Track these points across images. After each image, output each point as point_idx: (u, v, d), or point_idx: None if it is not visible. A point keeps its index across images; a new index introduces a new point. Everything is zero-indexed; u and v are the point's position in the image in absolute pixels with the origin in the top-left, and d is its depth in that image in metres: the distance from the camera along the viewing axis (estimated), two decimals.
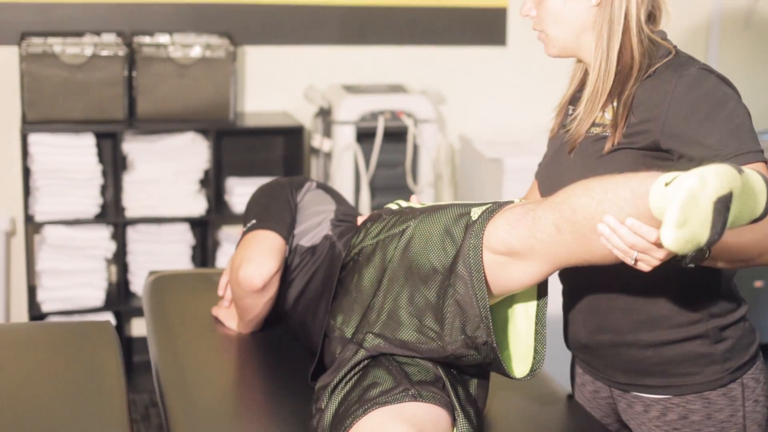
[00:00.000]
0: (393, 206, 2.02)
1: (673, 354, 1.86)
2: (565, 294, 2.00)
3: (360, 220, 2.06)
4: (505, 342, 1.87)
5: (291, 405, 1.96)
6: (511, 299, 1.88)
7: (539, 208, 1.70)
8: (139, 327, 4.11)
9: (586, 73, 1.93)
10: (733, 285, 1.90)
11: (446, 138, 4.18)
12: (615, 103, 1.82)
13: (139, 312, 4.02)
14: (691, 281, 1.83)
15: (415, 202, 2.04)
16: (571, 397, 2.09)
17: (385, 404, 1.72)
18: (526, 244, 1.70)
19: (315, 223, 2.16)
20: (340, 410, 1.76)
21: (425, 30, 4.22)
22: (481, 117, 4.33)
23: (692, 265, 1.54)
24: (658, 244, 1.54)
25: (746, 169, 1.51)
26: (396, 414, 1.70)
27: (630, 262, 1.58)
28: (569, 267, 1.73)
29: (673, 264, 1.58)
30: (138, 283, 3.96)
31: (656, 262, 1.57)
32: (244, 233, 2.15)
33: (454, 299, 1.75)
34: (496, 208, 1.77)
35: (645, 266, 1.58)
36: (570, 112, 1.93)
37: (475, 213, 1.78)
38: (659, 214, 1.50)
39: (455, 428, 1.79)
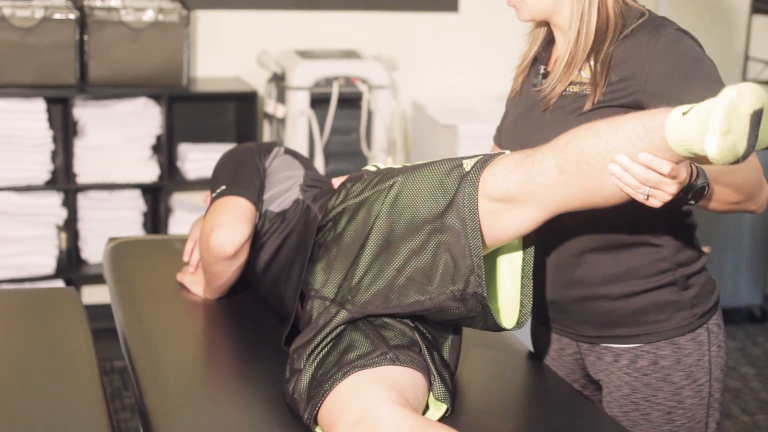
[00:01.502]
0: (371, 168, 2.01)
1: (643, 303, 1.90)
2: None
3: (336, 182, 2.05)
4: (491, 295, 1.86)
5: (262, 369, 1.96)
6: (495, 252, 1.87)
7: (539, 152, 1.70)
8: (90, 294, 4.07)
9: (550, 32, 1.94)
10: (695, 236, 1.96)
11: (399, 104, 4.18)
12: (592, 63, 1.84)
13: (90, 279, 3.98)
14: (661, 232, 1.88)
15: (391, 164, 2.03)
16: (535, 356, 2.11)
17: (364, 367, 1.72)
18: (525, 188, 1.70)
19: (284, 189, 2.15)
20: (317, 374, 1.75)
21: None
22: (433, 83, 4.33)
23: (693, 202, 1.61)
24: (672, 176, 1.58)
25: None
26: (376, 377, 1.70)
27: (641, 198, 1.62)
28: (566, 212, 1.73)
29: (676, 202, 1.64)
30: (89, 251, 3.91)
31: (667, 197, 1.61)
32: (213, 199, 2.13)
33: (445, 250, 1.74)
34: (489, 158, 1.77)
35: (656, 202, 1.62)
36: (542, 71, 1.94)
37: (468, 164, 1.77)
38: (676, 144, 1.55)
39: (431, 391, 1.80)
